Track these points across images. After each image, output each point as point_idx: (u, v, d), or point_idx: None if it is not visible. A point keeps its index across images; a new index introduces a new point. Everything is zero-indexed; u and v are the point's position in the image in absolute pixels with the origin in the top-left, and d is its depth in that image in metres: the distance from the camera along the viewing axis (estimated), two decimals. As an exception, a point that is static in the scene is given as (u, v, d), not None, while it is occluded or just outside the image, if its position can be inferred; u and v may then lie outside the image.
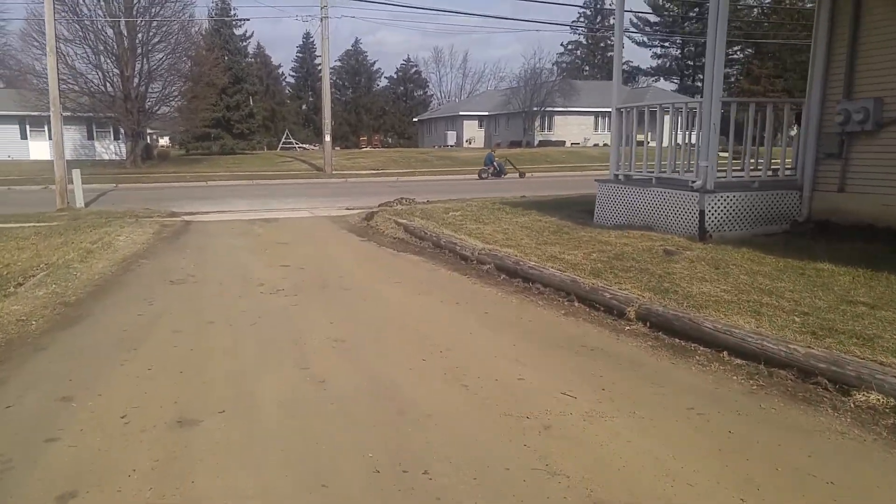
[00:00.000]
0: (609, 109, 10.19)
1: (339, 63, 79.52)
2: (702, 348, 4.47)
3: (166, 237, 10.67)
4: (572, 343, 4.75)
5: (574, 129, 53.77)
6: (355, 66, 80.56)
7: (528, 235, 8.86)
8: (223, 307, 5.99)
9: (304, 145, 58.01)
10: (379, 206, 15.87)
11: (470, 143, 56.33)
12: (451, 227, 9.90)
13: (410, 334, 5.10)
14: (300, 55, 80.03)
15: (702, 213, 7.88)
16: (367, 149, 50.27)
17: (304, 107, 76.68)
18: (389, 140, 71.57)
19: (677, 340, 4.68)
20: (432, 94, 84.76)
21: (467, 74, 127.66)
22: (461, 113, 57.94)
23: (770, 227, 8.19)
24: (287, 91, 77.30)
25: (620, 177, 9.88)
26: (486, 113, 56.76)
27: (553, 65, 68.82)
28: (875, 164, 7.46)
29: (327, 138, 27.71)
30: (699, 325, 4.57)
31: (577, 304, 5.72)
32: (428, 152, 40.99)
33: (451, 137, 57.08)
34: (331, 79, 33.25)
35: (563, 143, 51.39)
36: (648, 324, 4.99)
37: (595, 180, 10.33)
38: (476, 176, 27.62)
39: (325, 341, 4.89)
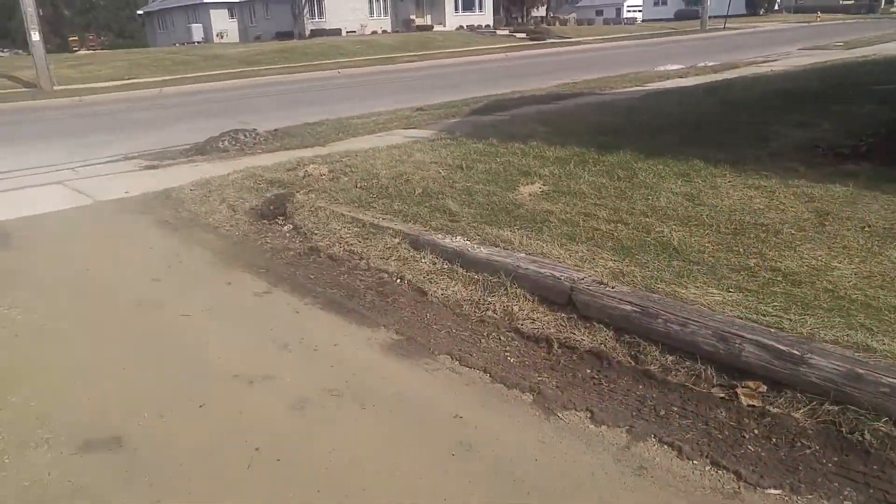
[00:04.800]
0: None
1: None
2: None
3: None
4: None
5: (348, 14, 45.37)
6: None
7: None
8: None
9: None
10: (208, 142, 8.06)
11: (222, 38, 44.59)
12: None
13: None
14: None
15: None
16: (84, 52, 35.90)
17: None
18: (104, 40, 54.21)
19: None
20: (152, -21, 66.55)
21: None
22: (206, 0, 45.12)
23: None
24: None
25: None
26: (238, -1, 45.07)
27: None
28: None
29: (35, 37, 16.34)
30: None
31: None
32: (183, 51, 29.93)
33: (197, 32, 44.51)
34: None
35: (339, 31, 43.03)
36: None
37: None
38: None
39: None
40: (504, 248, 3.53)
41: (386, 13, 48.69)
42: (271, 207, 4.97)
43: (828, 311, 2.66)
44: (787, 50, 21.16)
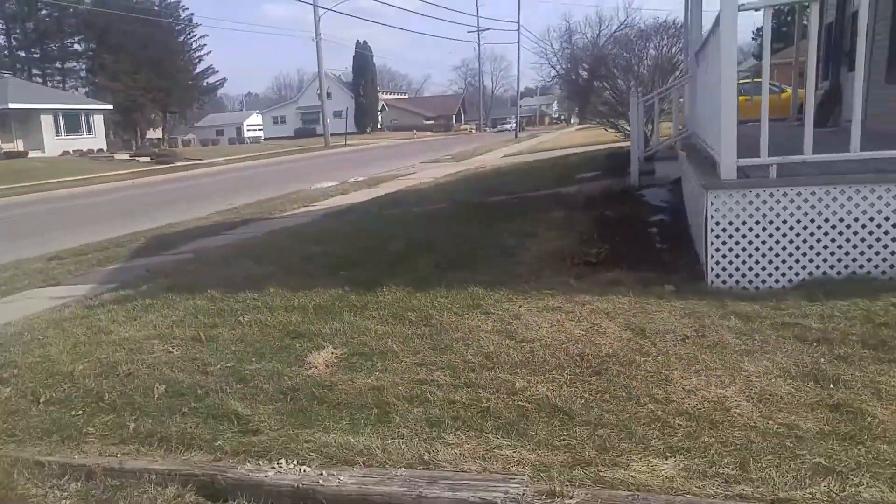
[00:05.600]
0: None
1: None
2: None
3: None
4: None
5: None
6: None
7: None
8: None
9: None
10: None
11: None
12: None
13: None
14: None
15: None
16: None
17: None
18: None
19: None
20: None
21: None
22: None
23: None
24: None
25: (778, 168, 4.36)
26: None
27: None
28: None
29: None
30: None
31: None
32: None
33: None
34: None
35: None
36: None
37: (702, 186, 4.51)
38: None
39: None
40: (369, 465, 2.43)
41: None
42: None
43: (780, 458, 2.39)
44: (412, 163, 23.98)
